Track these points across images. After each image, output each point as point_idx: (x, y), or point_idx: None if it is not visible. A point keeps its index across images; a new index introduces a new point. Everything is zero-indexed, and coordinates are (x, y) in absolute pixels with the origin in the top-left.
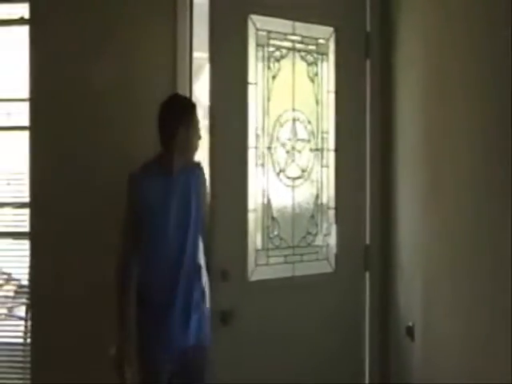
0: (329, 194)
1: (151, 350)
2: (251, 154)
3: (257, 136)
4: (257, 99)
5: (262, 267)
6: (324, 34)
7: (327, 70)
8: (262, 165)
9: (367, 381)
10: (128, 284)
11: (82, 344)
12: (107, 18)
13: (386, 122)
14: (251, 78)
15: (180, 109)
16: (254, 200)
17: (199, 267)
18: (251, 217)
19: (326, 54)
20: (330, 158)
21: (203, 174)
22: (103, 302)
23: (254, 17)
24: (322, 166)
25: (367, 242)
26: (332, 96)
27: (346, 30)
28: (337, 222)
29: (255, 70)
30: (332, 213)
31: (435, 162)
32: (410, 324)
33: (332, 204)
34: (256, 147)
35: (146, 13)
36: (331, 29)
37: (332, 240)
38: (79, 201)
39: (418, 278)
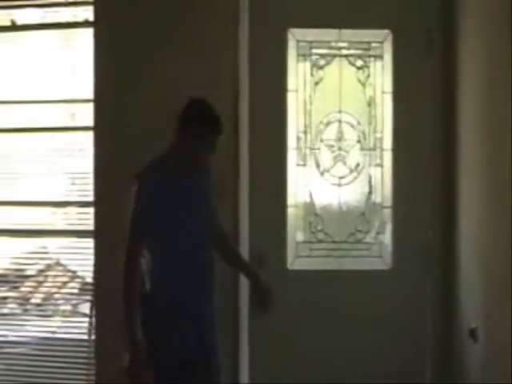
0: (383, 193)
1: (160, 356)
2: (293, 155)
3: (298, 138)
4: (298, 104)
5: (303, 258)
6: (377, 36)
7: (382, 72)
8: (304, 164)
9: (428, 381)
10: (134, 289)
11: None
12: (171, 18)
13: (448, 121)
14: (291, 85)
15: (217, 120)
16: (295, 197)
17: (211, 278)
18: (292, 212)
19: (380, 56)
20: (385, 157)
21: (212, 177)
22: None
23: (293, 30)
24: (375, 166)
25: (428, 241)
26: (387, 97)
27: (403, 31)
28: (393, 220)
29: (295, 78)
30: (387, 211)
31: (497, 160)
32: (474, 326)
33: (387, 203)
34: (297, 148)
35: (208, 14)
36: (386, 31)
37: (386, 238)
38: None
39: (481, 279)
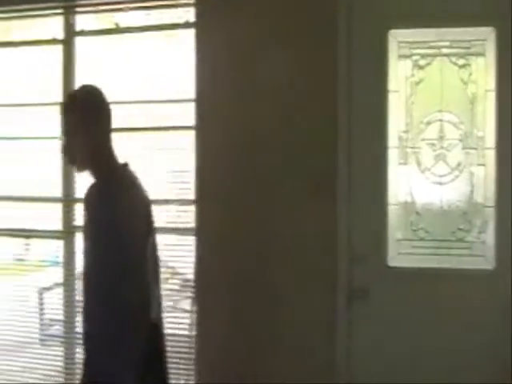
0: (485, 192)
1: None
2: (394, 154)
3: (399, 137)
4: (399, 104)
5: (404, 256)
6: (479, 34)
7: (484, 70)
8: (405, 163)
9: None
10: None
11: (245, 338)
12: (271, 20)
13: None
14: (392, 86)
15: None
16: (396, 195)
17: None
18: (392, 210)
19: (482, 54)
20: (487, 156)
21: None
22: (270, 300)
23: (394, 31)
24: (477, 165)
25: None
26: (490, 95)
27: (506, 28)
28: (496, 219)
29: (396, 79)
30: (489, 210)
31: None
32: None
33: (489, 202)
34: (398, 147)
35: (309, 16)
36: (489, 28)
37: (489, 237)
38: (244, 198)
39: None
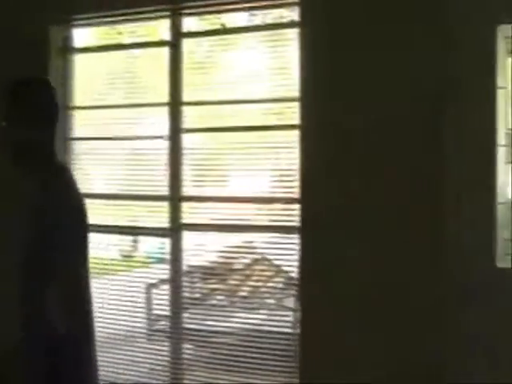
0: None
1: None
2: (501, 152)
3: (507, 135)
4: (506, 101)
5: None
6: None
7: None
8: None
9: None
10: None
11: (349, 338)
12: (375, 18)
13: None
14: (500, 82)
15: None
16: (504, 194)
17: None
18: (501, 210)
19: None
20: None
21: None
22: (373, 299)
23: (502, 26)
24: None
25: None
26: None
27: None
28: None
29: (504, 75)
30: None
31: None
32: None
33: None
34: (506, 145)
35: (412, 14)
36: None
37: None
38: (349, 197)
39: None
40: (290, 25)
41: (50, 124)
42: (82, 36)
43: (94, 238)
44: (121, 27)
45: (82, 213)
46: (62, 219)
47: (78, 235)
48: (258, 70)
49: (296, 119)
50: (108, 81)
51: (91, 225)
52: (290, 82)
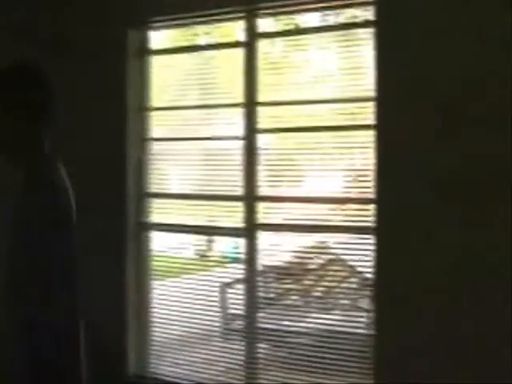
0: None
1: None
2: None
3: None
4: None
5: None
6: None
7: None
8: None
9: None
10: None
11: (427, 340)
12: (451, 17)
13: None
14: None
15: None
16: None
17: None
18: None
19: None
20: None
21: None
22: (449, 300)
23: None
24: None
25: None
26: None
27: None
28: None
29: None
30: None
31: None
32: None
33: None
34: None
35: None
36: None
37: None
38: (425, 199)
39: None
40: (365, 24)
41: (31, 115)
42: (158, 38)
43: (171, 238)
44: (196, 29)
45: (62, 210)
46: (41, 216)
47: (56, 233)
48: (331, 69)
49: (370, 119)
50: (184, 82)
51: (168, 224)
52: (364, 82)
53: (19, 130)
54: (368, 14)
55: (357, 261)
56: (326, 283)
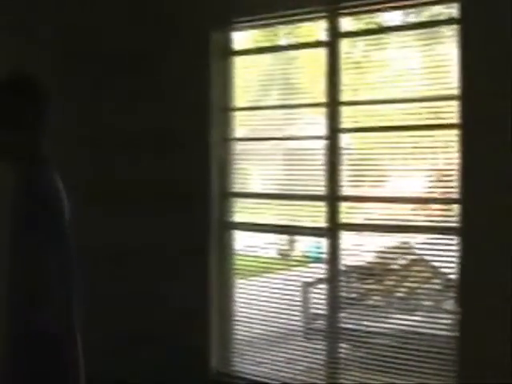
0: None
1: None
2: None
3: None
4: None
5: None
6: None
7: None
8: None
9: None
10: None
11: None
12: None
13: None
14: None
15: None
16: None
17: None
18: None
19: None
20: None
21: None
22: None
23: None
24: None
25: None
26: None
27: None
28: None
29: None
30: None
31: None
32: None
33: None
34: None
35: None
36: None
37: None
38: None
39: None
40: (449, 22)
41: (25, 125)
42: (240, 39)
43: (253, 237)
44: (277, 29)
45: (53, 213)
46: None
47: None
48: (413, 68)
49: (453, 118)
50: (266, 82)
51: (251, 224)
52: (447, 81)
53: (14, 136)
54: (451, 11)
55: (440, 261)
56: (409, 284)
